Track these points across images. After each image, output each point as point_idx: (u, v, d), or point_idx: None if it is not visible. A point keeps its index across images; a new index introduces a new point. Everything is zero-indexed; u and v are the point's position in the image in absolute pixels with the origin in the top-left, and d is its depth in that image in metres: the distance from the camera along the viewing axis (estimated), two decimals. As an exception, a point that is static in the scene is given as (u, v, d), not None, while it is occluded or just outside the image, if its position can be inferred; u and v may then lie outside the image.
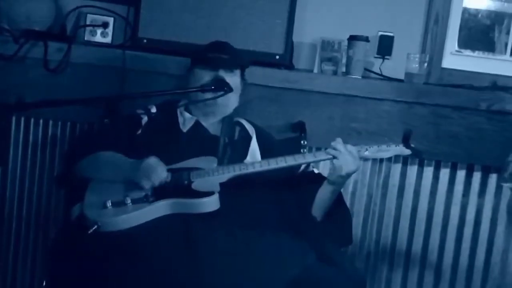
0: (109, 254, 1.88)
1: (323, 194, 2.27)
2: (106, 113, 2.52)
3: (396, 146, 2.19)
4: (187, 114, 2.42)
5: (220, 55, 2.37)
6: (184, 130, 2.38)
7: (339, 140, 2.18)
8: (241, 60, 2.45)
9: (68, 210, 2.16)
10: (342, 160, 2.15)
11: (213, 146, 2.32)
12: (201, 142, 2.34)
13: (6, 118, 2.82)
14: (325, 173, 2.35)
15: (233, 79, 2.38)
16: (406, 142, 2.18)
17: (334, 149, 2.17)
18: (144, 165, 2.08)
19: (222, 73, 2.35)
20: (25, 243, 2.97)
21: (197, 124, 2.40)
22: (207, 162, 2.18)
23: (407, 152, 2.18)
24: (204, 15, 2.79)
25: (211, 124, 2.41)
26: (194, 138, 2.35)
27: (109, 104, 2.48)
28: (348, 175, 2.20)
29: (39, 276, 2.97)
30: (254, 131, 2.47)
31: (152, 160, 2.09)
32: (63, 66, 2.75)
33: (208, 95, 2.32)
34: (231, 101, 2.40)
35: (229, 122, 2.42)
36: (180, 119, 2.41)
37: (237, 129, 2.43)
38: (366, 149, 2.18)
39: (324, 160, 2.22)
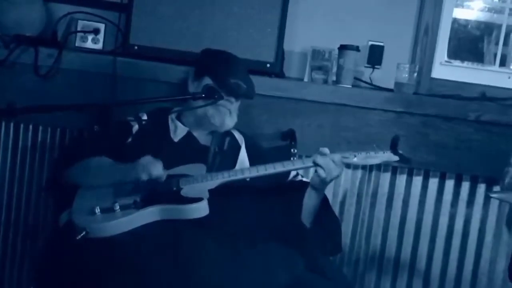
0: (97, 261, 1.88)
1: (309, 199, 2.26)
2: (97, 120, 2.52)
3: (384, 152, 2.19)
4: (179, 123, 2.41)
5: (240, 83, 2.36)
6: (175, 140, 2.38)
7: (325, 149, 2.20)
8: (253, 92, 2.44)
9: (56, 217, 2.16)
10: (326, 169, 2.16)
11: (203, 155, 2.33)
12: (191, 152, 2.34)
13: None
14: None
15: (238, 103, 2.41)
16: (394, 149, 2.19)
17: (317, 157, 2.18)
18: (141, 161, 2.09)
19: (232, 100, 2.37)
20: (12, 249, 2.96)
21: (189, 135, 2.40)
22: (196, 169, 2.19)
23: (395, 158, 2.19)
24: (196, 23, 2.79)
25: (202, 134, 2.42)
26: (184, 148, 2.36)
27: (100, 111, 2.48)
28: (332, 181, 2.21)
29: (26, 282, 2.96)
30: (243, 140, 2.47)
31: (149, 157, 2.10)
32: (54, 72, 2.75)
33: (200, 102, 2.32)
34: (231, 123, 2.41)
35: (219, 132, 2.43)
36: (171, 127, 2.41)
37: (227, 139, 2.43)
38: (355, 156, 2.19)
39: (311, 167, 2.22)
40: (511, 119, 2.89)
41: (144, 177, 2.06)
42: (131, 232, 1.98)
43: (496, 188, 2.79)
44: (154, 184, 2.07)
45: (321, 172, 2.16)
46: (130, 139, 2.37)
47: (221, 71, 2.36)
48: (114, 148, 2.30)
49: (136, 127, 2.40)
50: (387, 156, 2.19)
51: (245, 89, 2.36)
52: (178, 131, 2.40)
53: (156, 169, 2.07)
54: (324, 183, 2.20)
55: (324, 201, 2.33)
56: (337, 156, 2.17)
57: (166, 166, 2.18)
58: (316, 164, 2.17)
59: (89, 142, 2.45)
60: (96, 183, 2.14)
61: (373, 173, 3.01)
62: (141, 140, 2.36)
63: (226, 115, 2.36)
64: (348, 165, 2.23)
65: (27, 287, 2.93)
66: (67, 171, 2.24)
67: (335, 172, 2.17)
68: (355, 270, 3.05)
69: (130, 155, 2.23)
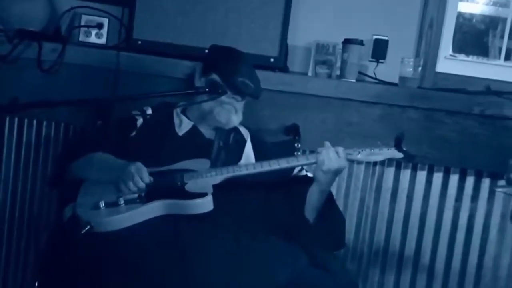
0: (101, 256, 1.88)
1: (311, 193, 2.25)
2: (100, 114, 2.52)
3: (388, 149, 2.19)
4: (184, 118, 2.41)
5: (247, 81, 2.35)
6: (180, 134, 2.38)
7: (327, 143, 2.19)
8: (260, 91, 2.43)
9: (60, 211, 2.16)
10: (325, 155, 2.15)
11: (208, 149, 2.33)
12: (196, 146, 2.34)
13: (-1, 118, 2.83)
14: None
15: (243, 102, 2.40)
16: (398, 146, 2.19)
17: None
18: (126, 170, 2.09)
19: (238, 99, 2.36)
20: (17, 244, 2.97)
21: (194, 129, 2.40)
22: (200, 164, 2.19)
23: (399, 155, 2.18)
24: (199, 18, 2.79)
25: (207, 129, 2.41)
26: (189, 142, 2.36)
27: (103, 106, 2.48)
28: (331, 172, 2.17)
29: (31, 276, 2.96)
30: (248, 135, 2.47)
31: (134, 167, 2.09)
32: (57, 66, 2.74)
33: (203, 97, 2.32)
34: (236, 120, 2.40)
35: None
36: (176, 121, 2.41)
37: (232, 133, 2.43)
38: (359, 152, 2.18)
39: (315, 163, 2.21)
40: (516, 113, 2.88)
41: (122, 188, 2.07)
42: (135, 226, 1.98)
43: (501, 182, 2.78)
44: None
45: (319, 158, 2.15)
46: (134, 133, 2.37)
47: (229, 69, 2.35)
48: (118, 142, 2.30)
49: (140, 120, 2.40)
50: (391, 153, 2.19)
51: (252, 89, 2.35)
52: (183, 125, 2.40)
53: (134, 183, 2.06)
54: (324, 173, 2.18)
55: (329, 196, 2.33)
56: (341, 149, 2.16)
57: (171, 161, 2.20)
58: (318, 154, 2.16)
59: (93, 137, 2.46)
60: (99, 178, 2.14)
61: (377, 167, 3.01)
62: (146, 133, 2.36)
63: (232, 113, 2.36)
64: (352, 161, 2.22)
65: (32, 282, 2.94)
66: (71, 166, 2.24)
67: (336, 164, 2.16)
68: (359, 265, 3.05)
69: (135, 149, 2.23)
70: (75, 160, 2.25)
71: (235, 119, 2.38)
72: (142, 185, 2.07)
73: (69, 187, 2.19)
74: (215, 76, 2.35)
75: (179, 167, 2.18)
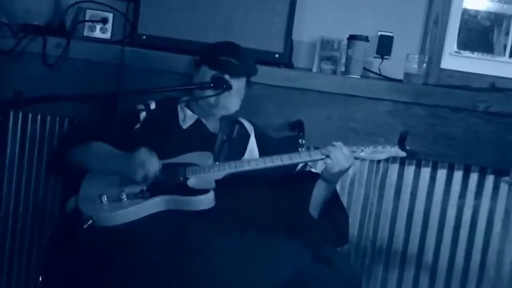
0: (103, 250, 1.89)
1: (318, 190, 2.26)
2: (104, 109, 2.52)
3: (391, 147, 2.18)
4: (188, 111, 2.42)
5: (231, 59, 2.34)
6: (184, 127, 2.38)
7: (337, 143, 2.19)
8: (250, 68, 2.43)
9: (64, 205, 2.16)
10: (334, 159, 2.15)
11: (211, 143, 2.33)
12: (199, 139, 2.34)
13: (3, 113, 2.82)
14: (323, 172, 2.35)
15: (238, 83, 2.37)
16: (401, 144, 2.18)
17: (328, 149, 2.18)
18: (136, 156, 2.08)
19: (227, 78, 2.33)
20: (21, 238, 2.97)
21: (198, 122, 2.40)
22: (202, 158, 2.18)
23: (402, 154, 2.18)
24: (204, 13, 2.79)
25: (211, 122, 2.41)
26: (193, 135, 2.36)
27: (107, 101, 2.48)
28: (341, 172, 2.20)
29: (35, 271, 2.97)
30: (253, 129, 2.47)
31: (143, 151, 2.09)
32: (62, 61, 2.74)
33: (209, 92, 2.31)
34: (232, 104, 2.39)
35: (228, 120, 2.42)
36: (180, 115, 2.41)
37: (236, 127, 2.42)
38: (362, 150, 2.18)
39: (319, 160, 2.22)
40: (520, 110, 2.87)
41: (140, 175, 2.06)
42: (137, 223, 1.98)
43: (505, 178, 2.78)
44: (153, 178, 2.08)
45: (328, 161, 2.15)
46: (138, 126, 2.37)
47: (211, 52, 2.38)
48: (121, 134, 2.30)
49: (144, 114, 2.40)
50: (395, 151, 2.19)
51: (237, 66, 2.34)
52: (187, 118, 2.40)
53: (152, 166, 2.07)
54: (333, 174, 2.19)
55: (333, 192, 2.33)
56: (345, 147, 2.16)
57: (174, 154, 2.20)
58: (324, 155, 2.16)
59: (96, 127, 2.46)
60: (97, 168, 2.15)
61: (381, 164, 3.00)
62: (150, 126, 2.36)
63: (226, 96, 2.34)
64: (355, 158, 2.22)
65: (36, 277, 2.95)
66: (70, 151, 2.25)
67: (347, 163, 2.16)
68: (362, 262, 3.05)
69: (138, 142, 2.23)
70: (75, 146, 2.25)
71: (230, 103, 2.37)
72: (158, 167, 2.07)
73: (71, 177, 2.19)
74: (204, 68, 2.36)
75: (181, 160, 2.18)
